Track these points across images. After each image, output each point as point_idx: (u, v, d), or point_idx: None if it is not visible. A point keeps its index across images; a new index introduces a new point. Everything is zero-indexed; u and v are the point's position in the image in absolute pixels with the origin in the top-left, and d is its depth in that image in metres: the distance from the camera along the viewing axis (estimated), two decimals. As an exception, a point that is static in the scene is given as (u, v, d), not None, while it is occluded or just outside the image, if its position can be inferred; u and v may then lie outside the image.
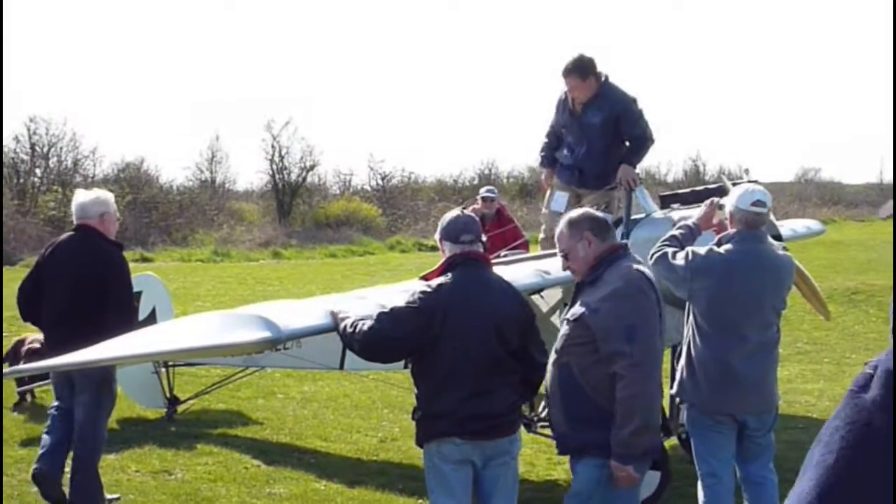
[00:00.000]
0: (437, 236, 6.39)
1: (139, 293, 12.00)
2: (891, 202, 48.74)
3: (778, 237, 8.89)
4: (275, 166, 47.67)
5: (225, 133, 59.88)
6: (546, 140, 10.20)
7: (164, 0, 75.86)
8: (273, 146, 47.75)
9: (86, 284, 8.26)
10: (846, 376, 13.95)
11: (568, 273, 8.78)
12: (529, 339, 6.24)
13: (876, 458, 2.07)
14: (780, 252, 7.19)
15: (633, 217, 9.23)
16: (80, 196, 8.70)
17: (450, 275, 6.10)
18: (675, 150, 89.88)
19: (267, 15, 78.82)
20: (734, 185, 8.69)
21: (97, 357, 7.64)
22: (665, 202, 9.48)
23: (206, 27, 76.49)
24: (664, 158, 59.23)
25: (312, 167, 48.65)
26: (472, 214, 6.59)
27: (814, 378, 13.91)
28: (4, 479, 9.35)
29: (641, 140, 9.70)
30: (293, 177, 47.04)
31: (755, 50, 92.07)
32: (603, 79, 9.68)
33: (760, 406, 7.07)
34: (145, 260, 31.15)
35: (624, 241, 5.93)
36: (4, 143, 37.70)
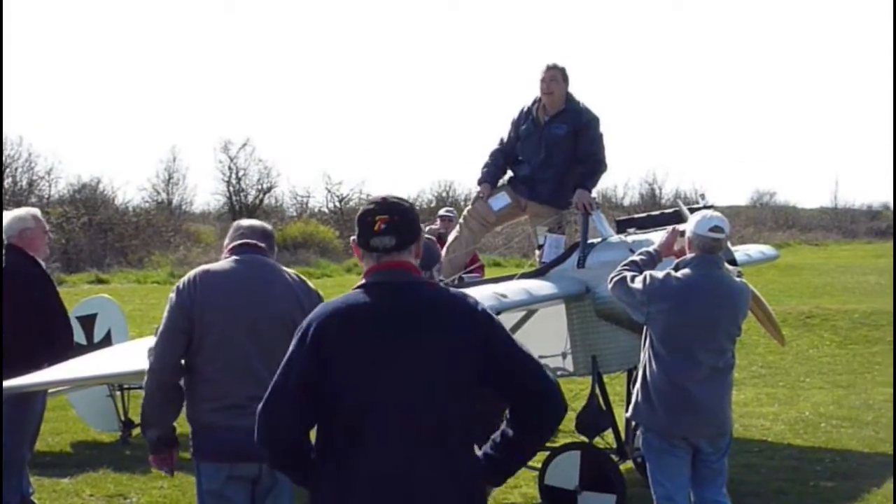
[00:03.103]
0: None
1: (94, 315, 11.96)
2: None
3: (733, 262, 8.96)
4: (231, 188, 47.64)
5: (182, 154, 59.68)
6: (490, 158, 10.09)
7: (120, 20, 75.62)
8: (230, 168, 47.77)
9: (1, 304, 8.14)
10: (801, 399, 14.06)
11: (526, 296, 8.88)
12: None
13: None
14: (737, 279, 7.24)
15: (589, 241, 9.27)
16: (4, 217, 8.54)
17: None
18: (632, 173, 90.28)
19: (226, 35, 78.79)
20: (690, 209, 8.76)
21: (51, 379, 7.59)
22: (621, 227, 9.52)
23: (163, 49, 76.32)
24: (621, 182, 59.53)
25: (269, 189, 48.74)
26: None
27: (769, 402, 13.98)
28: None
29: (594, 162, 9.69)
30: (250, 199, 46.99)
31: (710, 74, 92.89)
32: (569, 95, 9.76)
33: (715, 430, 7.09)
34: (101, 282, 30.94)
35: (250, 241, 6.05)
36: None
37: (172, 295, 5.81)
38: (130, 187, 77.07)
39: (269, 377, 5.57)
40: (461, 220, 10.24)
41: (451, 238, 10.29)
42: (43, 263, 8.60)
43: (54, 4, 73.13)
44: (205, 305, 5.72)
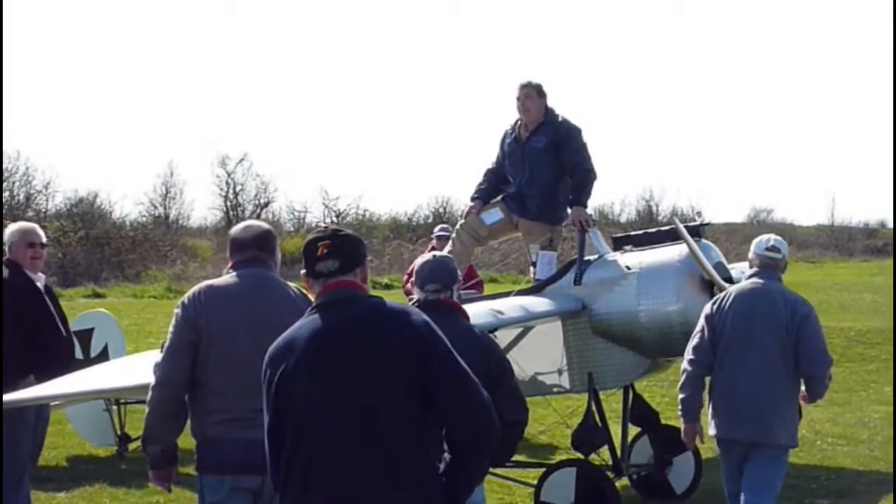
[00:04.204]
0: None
1: (91, 330, 11.97)
2: None
3: (729, 279, 9.01)
4: (229, 203, 47.67)
5: (179, 169, 59.75)
6: (484, 177, 10.28)
7: (118, 35, 75.75)
8: (227, 183, 47.82)
9: None
10: (797, 417, 14.05)
11: (523, 313, 8.90)
12: (495, 392, 6.13)
13: None
14: (792, 294, 7.79)
15: (585, 258, 9.31)
16: (5, 231, 8.56)
17: None
18: (629, 190, 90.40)
19: (223, 50, 78.93)
20: (686, 227, 8.84)
21: (49, 393, 7.60)
22: (618, 244, 9.56)
23: (160, 63, 76.38)
24: (617, 198, 59.56)
25: (267, 204, 48.79)
26: (447, 258, 6.51)
27: (764, 419, 13.97)
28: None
29: (582, 172, 9.73)
30: (247, 213, 47.01)
31: (707, 91, 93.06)
32: (550, 109, 9.87)
33: (759, 436, 7.53)
34: (97, 296, 30.91)
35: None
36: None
37: (178, 310, 5.85)
38: (127, 202, 76.86)
39: None
40: (453, 235, 10.31)
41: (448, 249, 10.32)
42: (34, 276, 8.55)
43: (51, 19, 73.26)
44: (210, 318, 5.78)
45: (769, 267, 7.76)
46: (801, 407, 7.88)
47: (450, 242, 10.30)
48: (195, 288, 5.97)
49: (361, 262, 4.53)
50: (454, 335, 5.93)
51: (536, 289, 9.40)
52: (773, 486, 7.65)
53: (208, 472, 5.82)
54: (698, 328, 7.75)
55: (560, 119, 9.87)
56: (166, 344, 5.86)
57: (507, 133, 10.11)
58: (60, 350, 8.49)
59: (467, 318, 6.31)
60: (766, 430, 7.49)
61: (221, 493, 5.76)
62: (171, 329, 5.86)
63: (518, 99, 9.87)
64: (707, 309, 7.75)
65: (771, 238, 7.88)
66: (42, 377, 7.77)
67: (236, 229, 6.25)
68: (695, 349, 7.70)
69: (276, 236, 6.30)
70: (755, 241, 7.95)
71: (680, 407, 7.72)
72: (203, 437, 5.83)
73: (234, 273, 6.01)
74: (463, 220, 10.31)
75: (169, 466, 5.94)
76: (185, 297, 5.91)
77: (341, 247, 4.48)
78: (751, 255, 7.90)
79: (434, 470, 4.25)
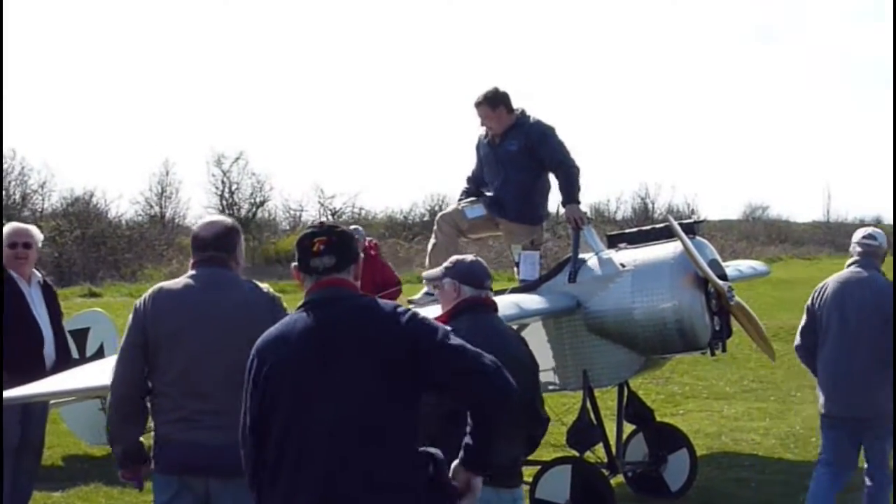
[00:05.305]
0: (449, 277, 6.00)
1: (87, 329, 11.96)
2: None
3: (724, 276, 9.02)
4: (224, 202, 47.54)
5: (175, 168, 59.41)
6: (466, 186, 10.38)
7: (113, 34, 75.61)
8: (223, 182, 47.69)
9: None
10: (792, 413, 14.06)
11: (517, 311, 8.89)
12: (535, 391, 6.14)
13: None
14: (882, 279, 8.42)
15: (580, 256, 9.31)
16: None
17: (464, 319, 5.74)
18: (625, 187, 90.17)
19: (219, 48, 78.82)
20: (681, 224, 8.84)
21: (40, 391, 7.59)
22: (612, 241, 9.56)
23: (156, 62, 76.24)
24: (613, 196, 59.37)
25: (262, 203, 48.59)
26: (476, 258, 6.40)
27: (759, 416, 13.98)
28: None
29: (567, 167, 9.75)
30: (243, 212, 46.91)
31: (703, 88, 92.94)
32: (519, 112, 9.86)
33: (858, 411, 8.24)
34: (93, 295, 30.85)
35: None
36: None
37: (131, 313, 5.95)
38: (123, 201, 76.53)
39: (216, 392, 5.56)
40: (434, 227, 10.28)
41: (429, 247, 10.31)
42: (19, 275, 8.52)
43: (45, 17, 73.11)
44: (157, 320, 5.83)
45: (867, 254, 8.43)
46: None
47: (433, 236, 10.28)
48: (148, 291, 6.05)
49: (355, 260, 4.52)
50: (502, 331, 5.97)
51: (531, 287, 9.40)
52: (885, 455, 8.35)
53: (158, 472, 5.90)
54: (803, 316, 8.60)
55: (532, 120, 9.85)
56: (119, 347, 5.96)
57: (480, 138, 10.13)
58: (28, 355, 8.35)
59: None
60: (866, 407, 8.20)
61: (169, 493, 5.83)
62: (124, 332, 5.93)
63: (479, 118, 9.92)
64: (809, 299, 8.52)
65: (870, 228, 8.68)
66: (11, 381, 7.66)
67: (198, 226, 6.24)
68: (798, 334, 8.64)
69: (240, 232, 6.19)
70: (855, 233, 8.66)
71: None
72: (156, 436, 5.91)
73: (190, 273, 6.02)
74: (443, 213, 10.34)
75: (134, 466, 5.98)
76: (138, 301, 6.00)
77: (338, 244, 4.48)
78: (851, 246, 8.57)
79: (421, 471, 4.25)
